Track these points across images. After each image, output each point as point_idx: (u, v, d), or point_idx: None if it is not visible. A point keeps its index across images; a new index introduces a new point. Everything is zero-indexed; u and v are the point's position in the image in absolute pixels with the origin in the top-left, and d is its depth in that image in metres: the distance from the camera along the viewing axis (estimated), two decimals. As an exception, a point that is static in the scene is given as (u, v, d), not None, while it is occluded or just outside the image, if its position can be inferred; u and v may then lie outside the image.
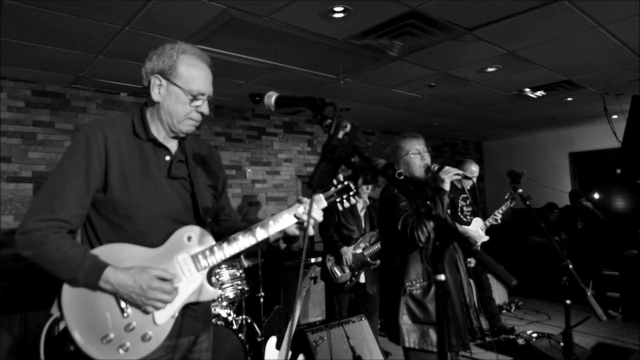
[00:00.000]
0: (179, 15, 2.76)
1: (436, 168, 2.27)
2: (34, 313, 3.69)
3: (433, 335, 2.14)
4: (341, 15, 2.81)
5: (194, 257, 1.38)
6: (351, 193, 1.49)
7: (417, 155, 2.35)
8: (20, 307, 3.65)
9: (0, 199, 3.74)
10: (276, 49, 3.41)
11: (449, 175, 2.21)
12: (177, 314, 1.35)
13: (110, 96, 4.43)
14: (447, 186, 2.21)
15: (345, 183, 1.49)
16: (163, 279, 1.30)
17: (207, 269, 1.40)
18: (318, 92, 4.58)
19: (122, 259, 1.31)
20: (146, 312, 1.31)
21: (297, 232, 1.46)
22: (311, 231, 1.40)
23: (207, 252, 1.39)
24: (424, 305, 2.17)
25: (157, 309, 1.31)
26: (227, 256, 1.41)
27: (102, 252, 1.31)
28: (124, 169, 1.35)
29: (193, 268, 1.38)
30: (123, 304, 1.29)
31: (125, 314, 1.29)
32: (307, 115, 5.96)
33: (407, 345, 2.16)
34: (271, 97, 1.24)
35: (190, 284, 1.37)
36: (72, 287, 1.28)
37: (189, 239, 1.39)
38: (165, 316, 1.33)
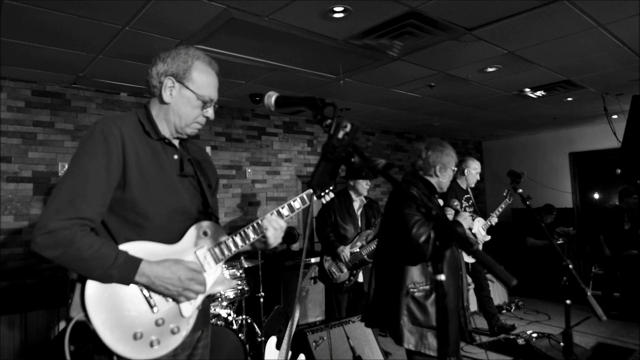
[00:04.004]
0: (179, 15, 2.76)
1: (457, 205, 2.60)
2: (34, 313, 3.70)
3: (432, 339, 2.13)
4: (341, 15, 2.81)
5: (211, 251, 1.45)
6: (331, 187, 1.56)
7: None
8: (20, 307, 3.65)
9: (0, 199, 3.74)
10: (276, 49, 3.41)
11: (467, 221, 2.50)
12: (201, 306, 1.42)
13: (110, 96, 4.43)
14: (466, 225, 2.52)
15: None
16: (196, 271, 1.37)
17: (223, 261, 1.48)
18: (318, 92, 4.58)
19: (145, 256, 1.32)
20: (177, 302, 1.36)
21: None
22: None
23: (223, 246, 1.47)
24: (424, 308, 2.15)
25: (190, 299, 1.37)
26: (239, 249, 1.49)
27: (126, 250, 1.31)
28: (141, 167, 1.37)
29: (212, 261, 1.45)
30: (151, 300, 1.32)
31: (154, 310, 1.32)
32: (307, 115, 5.96)
33: (405, 346, 2.15)
34: (271, 97, 1.24)
35: (210, 276, 1.44)
36: (98, 287, 1.27)
37: (205, 233, 1.46)
38: (191, 308, 1.39)
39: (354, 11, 2.77)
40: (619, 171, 2.64)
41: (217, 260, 1.46)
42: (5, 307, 3.60)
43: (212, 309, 3.31)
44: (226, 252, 1.47)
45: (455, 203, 2.60)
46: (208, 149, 4.96)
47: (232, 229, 4.20)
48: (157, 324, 1.32)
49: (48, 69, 3.66)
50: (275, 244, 1.54)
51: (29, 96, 3.96)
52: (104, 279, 1.27)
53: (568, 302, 2.29)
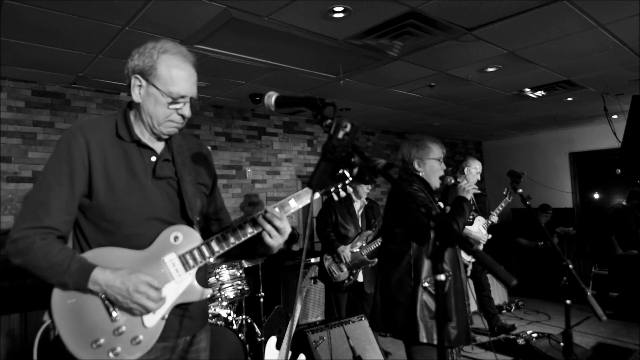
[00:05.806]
0: (179, 15, 2.76)
1: (452, 181, 2.44)
2: (34, 313, 3.69)
3: (452, 330, 2.21)
4: (341, 15, 2.81)
5: (182, 257, 1.36)
6: (346, 182, 1.45)
7: (442, 165, 2.43)
8: (20, 307, 3.65)
9: (0, 199, 3.74)
10: (276, 49, 3.41)
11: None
12: (167, 316, 1.34)
13: (110, 96, 4.43)
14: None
15: (340, 171, 1.45)
16: (151, 285, 1.29)
17: (195, 269, 1.39)
18: (318, 92, 4.58)
19: (109, 262, 1.30)
20: (134, 314, 1.30)
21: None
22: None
23: (195, 252, 1.37)
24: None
25: (142, 313, 1.30)
26: (216, 254, 1.38)
27: (90, 256, 1.31)
28: (108, 173, 1.34)
29: (181, 268, 1.36)
30: (111, 308, 1.28)
31: (113, 318, 1.28)
32: (307, 115, 5.96)
33: (425, 341, 2.16)
34: (271, 97, 1.23)
35: (179, 284, 1.36)
36: (61, 293, 1.28)
37: (176, 239, 1.37)
38: (155, 319, 1.32)
39: (354, 11, 2.77)
40: (619, 171, 2.64)
41: (187, 268, 1.36)
42: (5, 307, 3.60)
43: (212, 309, 3.31)
44: (199, 259, 1.37)
45: (449, 178, 2.48)
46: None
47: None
48: (115, 333, 1.28)
49: (48, 69, 3.66)
50: (278, 244, 1.40)
51: (29, 96, 3.95)
52: (62, 286, 1.27)
53: (568, 302, 2.28)
